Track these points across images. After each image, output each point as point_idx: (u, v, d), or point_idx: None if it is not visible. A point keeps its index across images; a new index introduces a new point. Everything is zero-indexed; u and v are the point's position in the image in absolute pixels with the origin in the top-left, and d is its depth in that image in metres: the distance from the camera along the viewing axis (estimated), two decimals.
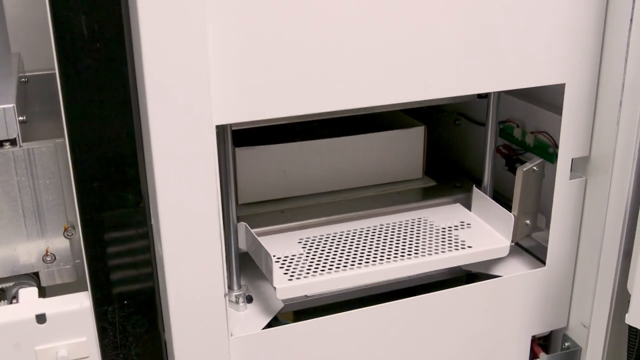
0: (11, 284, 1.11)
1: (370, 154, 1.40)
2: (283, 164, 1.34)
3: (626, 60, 1.08)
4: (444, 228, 1.29)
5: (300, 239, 1.24)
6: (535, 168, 1.24)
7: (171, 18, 0.89)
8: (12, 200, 1.06)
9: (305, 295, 1.21)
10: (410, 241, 1.24)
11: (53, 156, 1.06)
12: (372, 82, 1.03)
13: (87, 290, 1.02)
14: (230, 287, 1.16)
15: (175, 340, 1.04)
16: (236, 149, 1.28)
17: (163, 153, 0.95)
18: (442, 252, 1.21)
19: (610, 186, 1.15)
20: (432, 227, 1.29)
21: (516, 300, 1.26)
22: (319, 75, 0.99)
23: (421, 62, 1.04)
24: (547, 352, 1.35)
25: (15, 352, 1.01)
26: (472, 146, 1.51)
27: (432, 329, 1.22)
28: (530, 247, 1.34)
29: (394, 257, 1.19)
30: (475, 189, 1.34)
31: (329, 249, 1.21)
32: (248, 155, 1.30)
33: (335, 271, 1.15)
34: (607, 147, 1.15)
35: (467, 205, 1.36)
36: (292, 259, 1.18)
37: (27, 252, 1.10)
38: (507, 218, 1.24)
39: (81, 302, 1.03)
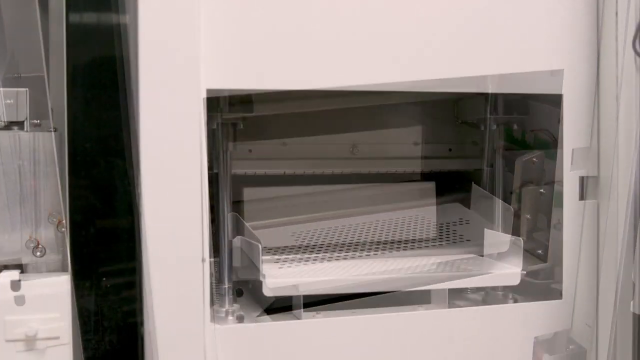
0: None
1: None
2: None
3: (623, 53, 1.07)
4: (442, 224, 1.26)
5: (294, 232, 1.22)
6: (534, 159, 1.22)
7: None
8: (12, 184, 1.03)
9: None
10: (406, 238, 1.22)
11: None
12: (369, 62, 1.02)
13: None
14: (220, 281, 1.12)
15: (155, 303, 1.00)
16: None
17: (151, 112, 0.95)
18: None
19: (614, 185, 1.12)
20: (429, 224, 1.26)
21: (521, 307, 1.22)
22: (312, 48, 0.99)
23: (421, 44, 1.05)
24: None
25: None
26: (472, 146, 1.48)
27: (432, 329, 1.16)
28: (530, 249, 1.30)
29: (389, 251, 1.16)
30: (474, 186, 1.32)
31: (321, 243, 1.19)
32: None
33: (327, 271, 1.12)
34: (608, 140, 1.13)
35: (467, 205, 1.34)
36: (284, 252, 1.16)
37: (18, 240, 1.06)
38: (507, 209, 1.21)
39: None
